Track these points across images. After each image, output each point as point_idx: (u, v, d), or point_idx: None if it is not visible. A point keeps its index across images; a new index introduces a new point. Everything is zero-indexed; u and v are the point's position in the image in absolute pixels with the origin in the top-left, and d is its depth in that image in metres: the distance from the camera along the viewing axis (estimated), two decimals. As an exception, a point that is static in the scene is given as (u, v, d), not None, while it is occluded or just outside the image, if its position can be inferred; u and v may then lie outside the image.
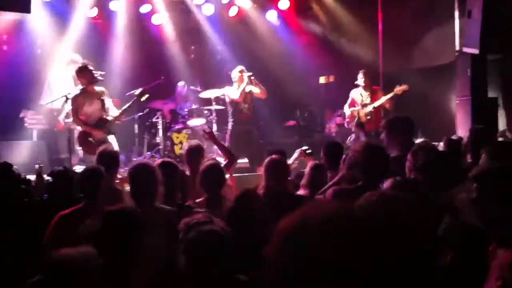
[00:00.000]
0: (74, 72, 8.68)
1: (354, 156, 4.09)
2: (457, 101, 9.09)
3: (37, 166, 5.87)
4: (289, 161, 5.68)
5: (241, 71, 8.54)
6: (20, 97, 8.85)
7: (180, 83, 10.33)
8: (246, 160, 8.88)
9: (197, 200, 4.36)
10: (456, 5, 9.26)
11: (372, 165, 3.86)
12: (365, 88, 8.79)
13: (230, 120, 8.71)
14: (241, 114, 8.64)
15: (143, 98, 8.00)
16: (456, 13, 9.27)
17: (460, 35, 9.08)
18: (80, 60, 8.76)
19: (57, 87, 8.46)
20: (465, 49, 8.43)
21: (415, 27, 10.28)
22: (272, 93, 10.02)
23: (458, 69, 9.05)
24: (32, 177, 5.85)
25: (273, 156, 4.80)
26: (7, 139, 8.41)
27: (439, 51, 10.00)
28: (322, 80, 11.61)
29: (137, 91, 8.00)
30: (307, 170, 4.97)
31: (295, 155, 6.09)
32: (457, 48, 9.18)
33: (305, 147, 6.13)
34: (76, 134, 7.75)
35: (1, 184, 4.39)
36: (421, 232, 1.30)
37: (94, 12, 9.92)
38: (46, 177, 5.76)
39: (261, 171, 4.84)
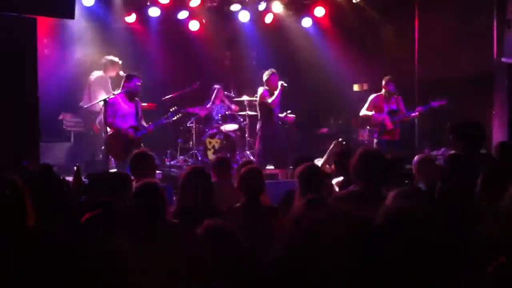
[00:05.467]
0: (112, 73, 8.92)
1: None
2: (493, 112, 8.95)
3: (75, 168, 5.96)
4: (323, 158, 5.70)
5: (273, 74, 8.60)
6: (59, 99, 9.05)
7: (217, 85, 10.43)
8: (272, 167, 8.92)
9: (236, 206, 4.33)
10: (495, 14, 9.13)
11: (371, 171, 3.92)
12: (389, 95, 8.65)
13: (259, 124, 8.76)
14: (272, 119, 8.68)
15: (175, 117, 8.59)
16: (495, 23, 9.13)
17: (498, 45, 8.95)
18: (118, 61, 8.98)
19: (97, 90, 8.65)
20: (504, 59, 8.31)
21: (452, 36, 10.13)
22: (306, 100, 10.05)
23: (496, 80, 8.91)
24: (70, 179, 5.97)
25: (309, 163, 4.59)
26: (46, 140, 8.59)
27: (476, 61, 9.83)
28: (355, 88, 11.56)
29: (172, 109, 8.62)
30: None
31: (331, 147, 5.99)
32: (495, 58, 9.05)
33: (340, 139, 6.11)
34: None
35: (41, 186, 4.49)
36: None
37: (133, 18, 10.10)
38: (83, 179, 5.90)
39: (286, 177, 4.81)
